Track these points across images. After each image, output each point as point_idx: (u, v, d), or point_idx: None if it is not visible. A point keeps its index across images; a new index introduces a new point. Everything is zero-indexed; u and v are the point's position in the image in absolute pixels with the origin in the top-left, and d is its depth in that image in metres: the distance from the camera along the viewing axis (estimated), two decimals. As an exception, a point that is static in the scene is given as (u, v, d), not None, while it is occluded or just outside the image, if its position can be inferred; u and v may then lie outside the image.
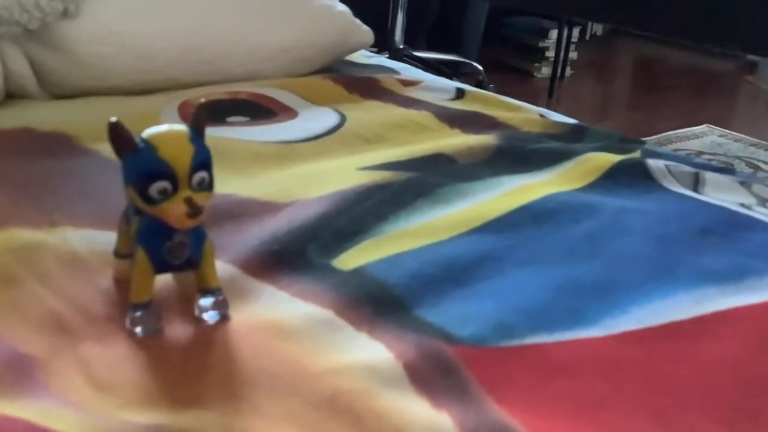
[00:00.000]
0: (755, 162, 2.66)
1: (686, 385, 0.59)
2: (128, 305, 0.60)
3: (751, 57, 3.93)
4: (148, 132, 0.57)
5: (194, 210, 0.56)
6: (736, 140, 2.88)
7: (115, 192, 0.74)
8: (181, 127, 0.58)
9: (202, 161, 0.57)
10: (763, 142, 2.86)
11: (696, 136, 2.90)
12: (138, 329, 0.59)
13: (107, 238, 0.70)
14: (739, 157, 2.70)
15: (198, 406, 0.53)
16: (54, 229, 0.74)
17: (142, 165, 0.56)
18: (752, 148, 2.81)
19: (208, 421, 0.51)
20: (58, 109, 1.08)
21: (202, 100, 0.61)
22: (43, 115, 1.04)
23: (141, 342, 0.59)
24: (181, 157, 0.56)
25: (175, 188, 0.56)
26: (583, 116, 1.25)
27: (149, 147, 0.56)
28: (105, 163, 0.89)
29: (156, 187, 0.56)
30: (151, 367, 0.56)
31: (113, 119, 0.56)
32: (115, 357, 0.57)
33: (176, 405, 0.53)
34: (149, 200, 0.56)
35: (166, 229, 0.58)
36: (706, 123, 3.02)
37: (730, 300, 0.69)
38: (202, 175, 0.57)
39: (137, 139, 0.57)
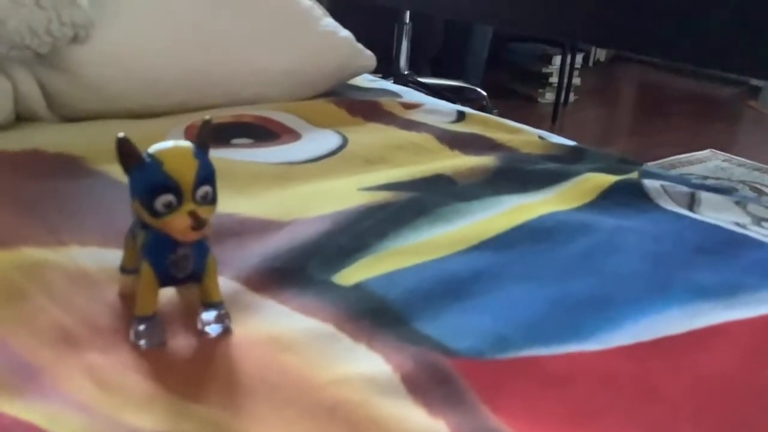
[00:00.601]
0: (759, 186, 2.67)
1: (679, 397, 0.60)
2: (133, 318, 0.62)
3: (754, 82, 3.95)
4: (155, 147, 0.59)
5: (198, 223, 0.57)
6: (739, 165, 2.89)
7: (120, 211, 0.76)
8: (186, 143, 0.60)
9: (206, 176, 0.59)
10: (767, 166, 2.87)
11: (700, 161, 2.91)
12: (142, 342, 0.61)
13: (113, 256, 0.72)
14: (743, 182, 2.71)
15: (199, 415, 0.54)
16: (61, 247, 0.76)
17: (148, 179, 0.58)
18: (756, 173, 2.82)
19: (209, 430, 0.52)
20: (66, 132, 1.10)
21: (207, 116, 0.63)
22: (52, 137, 1.06)
23: (144, 354, 0.60)
24: (185, 172, 0.58)
25: (180, 202, 0.58)
26: (587, 142, 1.26)
27: (155, 162, 0.58)
28: (111, 184, 0.91)
29: (161, 201, 0.57)
30: (154, 378, 0.57)
31: (121, 135, 0.58)
32: (120, 368, 0.58)
33: (178, 414, 0.54)
34: (154, 213, 0.58)
35: (170, 243, 0.59)
36: (709, 148, 3.04)
37: (722, 314, 0.70)
38: (206, 189, 0.59)
39: (144, 155, 0.59)
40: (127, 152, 0.58)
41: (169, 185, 0.57)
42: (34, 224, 0.81)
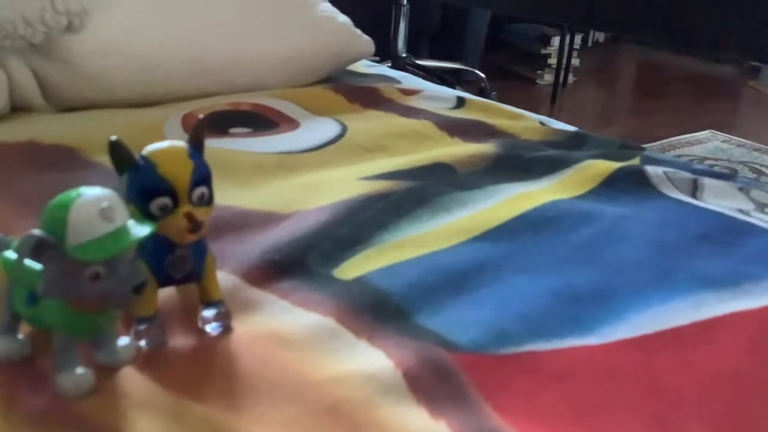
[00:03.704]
0: (758, 167, 2.66)
1: (683, 391, 0.59)
2: (133, 319, 0.61)
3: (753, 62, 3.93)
4: (148, 149, 0.58)
5: (194, 225, 0.57)
6: (739, 145, 2.88)
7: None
8: (180, 143, 0.59)
9: (202, 177, 0.58)
10: (766, 146, 2.86)
11: (699, 142, 2.90)
12: (143, 342, 0.60)
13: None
14: (742, 162, 2.70)
15: (200, 415, 0.53)
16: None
17: (143, 182, 0.56)
18: (756, 153, 2.81)
19: (210, 431, 0.52)
20: (62, 122, 1.09)
21: (201, 116, 0.62)
22: (48, 128, 1.05)
23: (145, 355, 0.59)
24: (180, 174, 0.57)
25: (176, 204, 0.57)
26: (586, 123, 1.26)
27: (149, 164, 0.57)
28: (108, 176, 0.89)
29: (157, 204, 0.56)
30: (154, 382, 0.57)
31: (113, 138, 0.57)
32: (121, 369, 0.58)
33: (179, 415, 0.53)
34: (150, 217, 0.57)
35: (167, 244, 0.58)
36: (709, 128, 3.03)
37: (727, 305, 0.70)
38: (201, 190, 0.58)
39: (137, 157, 0.58)
40: (120, 156, 0.57)
41: (164, 188, 0.56)
42: (30, 217, 0.80)
